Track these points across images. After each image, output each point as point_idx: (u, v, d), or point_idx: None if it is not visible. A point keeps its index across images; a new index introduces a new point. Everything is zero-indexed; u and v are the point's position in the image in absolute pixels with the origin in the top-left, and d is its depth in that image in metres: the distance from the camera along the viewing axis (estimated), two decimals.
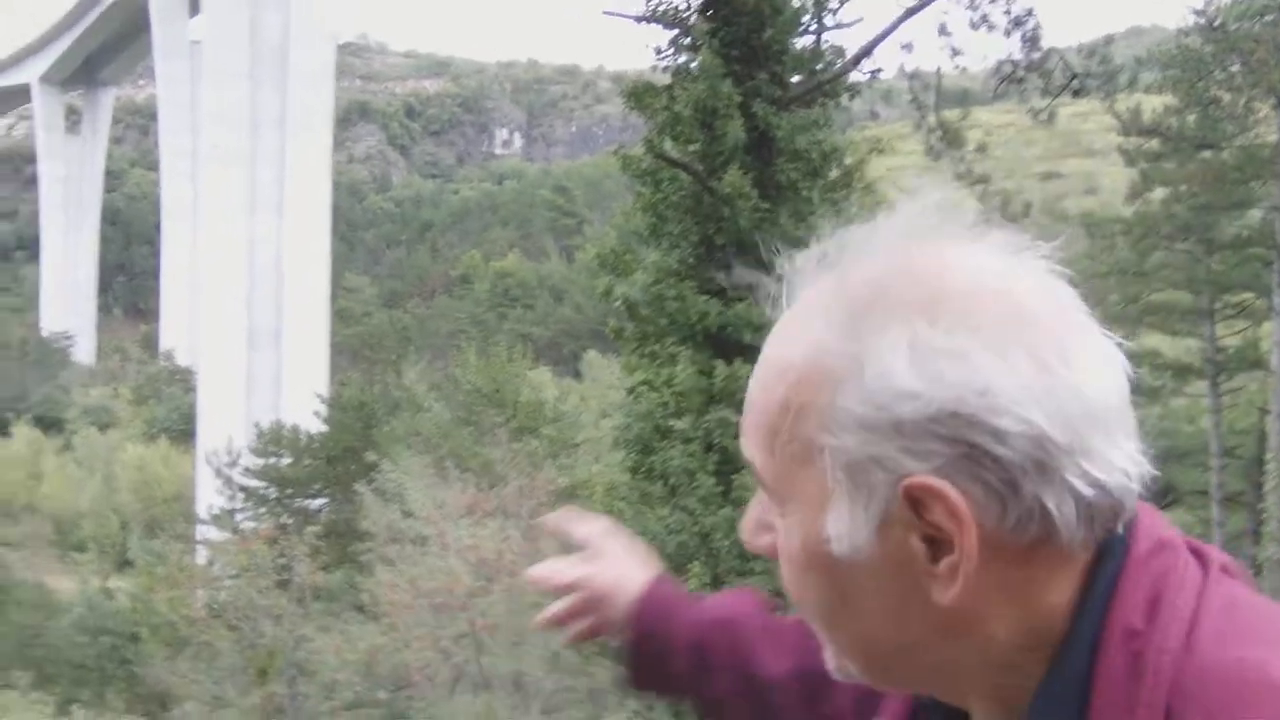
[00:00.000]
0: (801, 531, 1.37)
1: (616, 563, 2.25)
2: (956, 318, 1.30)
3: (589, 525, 2.30)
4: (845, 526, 1.33)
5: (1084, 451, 1.30)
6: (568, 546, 2.31)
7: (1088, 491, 1.31)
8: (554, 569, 2.26)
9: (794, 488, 1.37)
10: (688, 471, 18.18)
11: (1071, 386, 1.30)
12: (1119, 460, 1.33)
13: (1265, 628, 1.33)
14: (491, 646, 26.62)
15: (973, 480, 1.29)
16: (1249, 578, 1.44)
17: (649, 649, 2.18)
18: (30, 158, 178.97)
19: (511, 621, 26.68)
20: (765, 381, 1.39)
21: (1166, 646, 1.30)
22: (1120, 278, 36.47)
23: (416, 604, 28.08)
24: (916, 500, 1.30)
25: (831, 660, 1.47)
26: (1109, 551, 1.36)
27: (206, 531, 49.69)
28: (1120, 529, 1.37)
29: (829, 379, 1.33)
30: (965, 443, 1.29)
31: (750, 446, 1.41)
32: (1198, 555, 1.40)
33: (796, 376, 1.35)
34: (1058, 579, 1.35)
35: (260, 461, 51.64)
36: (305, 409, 56.42)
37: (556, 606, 2.27)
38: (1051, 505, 1.30)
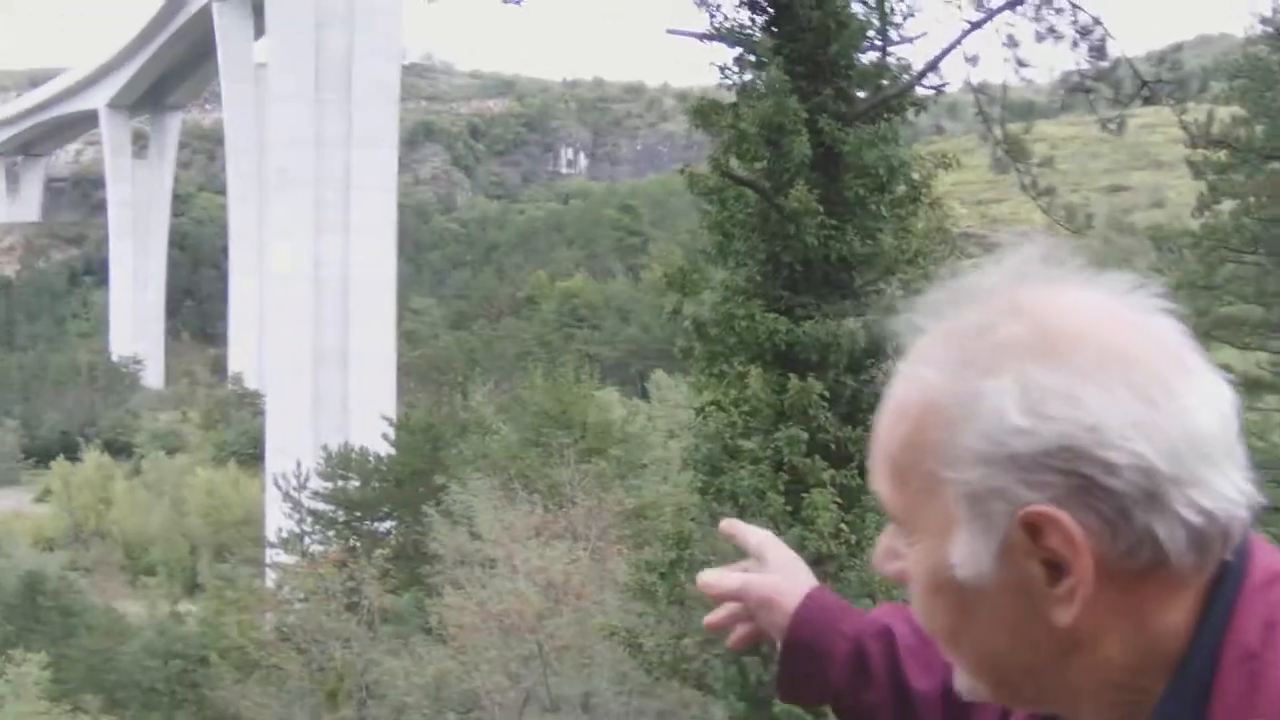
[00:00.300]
0: (928, 559, 1.50)
1: (780, 571, 2.28)
2: (1065, 358, 1.41)
3: (756, 534, 2.34)
4: (968, 553, 1.45)
5: (1191, 481, 1.40)
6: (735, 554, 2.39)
7: (1196, 519, 1.40)
8: (720, 575, 2.31)
9: (920, 518, 1.50)
10: (758, 492, 18.04)
11: (1177, 420, 1.40)
12: (1226, 489, 1.42)
13: None
14: (560, 668, 26.58)
15: (1086, 509, 1.40)
16: None
17: (809, 654, 2.21)
18: (98, 183, 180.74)
19: (580, 642, 26.63)
20: (889, 422, 1.52)
21: None
22: (1189, 291, 36.17)
23: (485, 626, 28.07)
24: (1034, 528, 1.41)
25: (960, 680, 1.58)
26: (1225, 578, 1.45)
27: (275, 555, 49.82)
28: (1233, 556, 1.46)
29: (948, 418, 1.45)
30: (1078, 474, 1.39)
31: (878, 481, 1.55)
32: None
33: (917, 416, 1.48)
34: (1171, 602, 1.44)
35: (328, 484, 51.73)
36: (373, 431, 56.53)
37: (721, 611, 2.33)
38: (1161, 533, 1.40)
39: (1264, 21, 32.56)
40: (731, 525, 2.37)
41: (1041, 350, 1.42)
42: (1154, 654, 1.45)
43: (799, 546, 17.85)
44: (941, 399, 1.45)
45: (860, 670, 2.17)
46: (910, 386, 1.50)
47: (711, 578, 2.31)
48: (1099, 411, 1.38)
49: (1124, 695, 1.47)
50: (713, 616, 2.35)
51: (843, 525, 17.77)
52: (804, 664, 2.21)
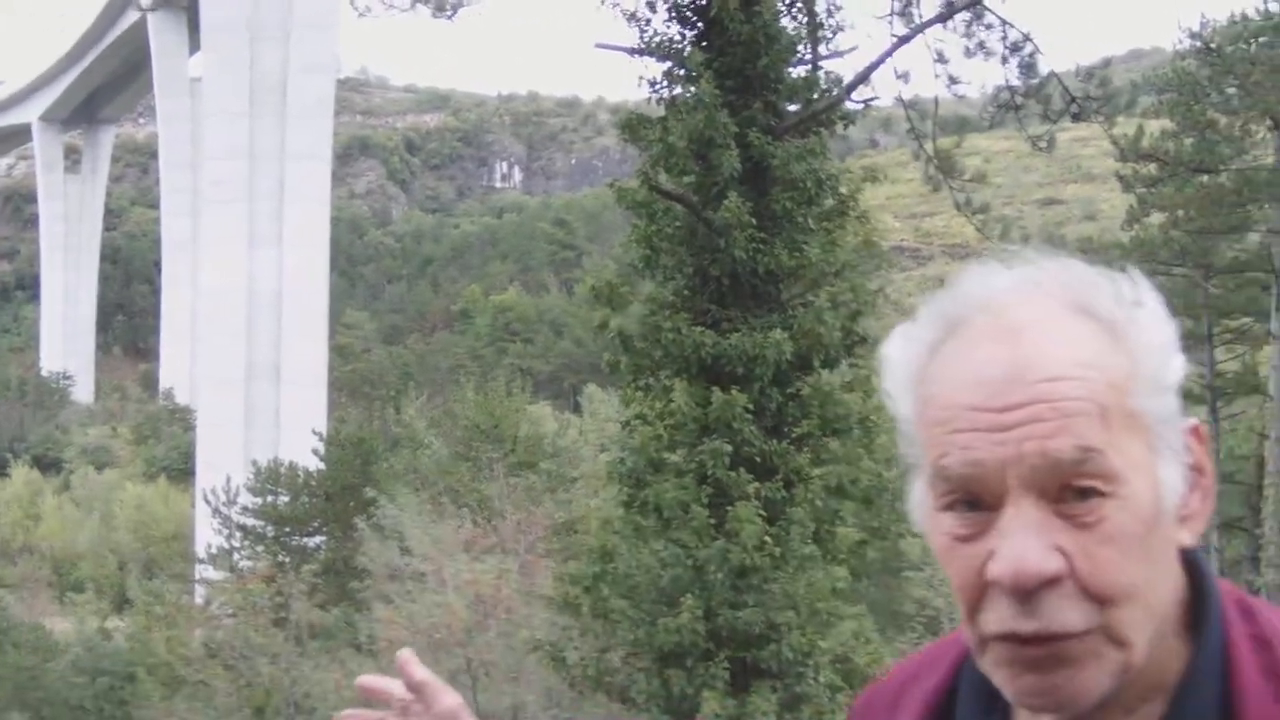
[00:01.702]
0: (1141, 497, 1.50)
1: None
2: (1153, 308, 1.58)
3: (426, 672, 2.21)
4: (1172, 475, 1.53)
5: None
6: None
7: None
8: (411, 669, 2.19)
9: (1131, 458, 1.50)
10: (682, 504, 18.03)
11: None
12: None
13: None
14: (488, 683, 26.49)
15: None
16: None
17: None
18: (30, 197, 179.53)
19: (508, 657, 26.53)
20: (1077, 371, 1.51)
21: (1275, 628, 1.56)
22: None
23: (414, 641, 27.91)
24: (1190, 443, 1.56)
25: (1103, 670, 1.51)
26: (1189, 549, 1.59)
27: (204, 571, 49.57)
28: None
29: (1126, 359, 1.53)
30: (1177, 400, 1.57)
31: (1075, 439, 1.49)
32: None
33: (1107, 358, 1.52)
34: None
35: (258, 500, 51.43)
36: (304, 446, 56.23)
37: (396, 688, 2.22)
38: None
39: (1193, 36, 32.80)
40: (405, 659, 2.21)
41: (1139, 299, 1.58)
42: (1176, 600, 1.56)
43: (723, 559, 17.87)
44: (1114, 342, 1.54)
45: None
46: (1080, 337, 1.53)
47: (407, 664, 2.19)
48: (1176, 345, 1.58)
49: (1160, 654, 1.54)
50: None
51: (767, 538, 17.76)
52: None
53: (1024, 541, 1.49)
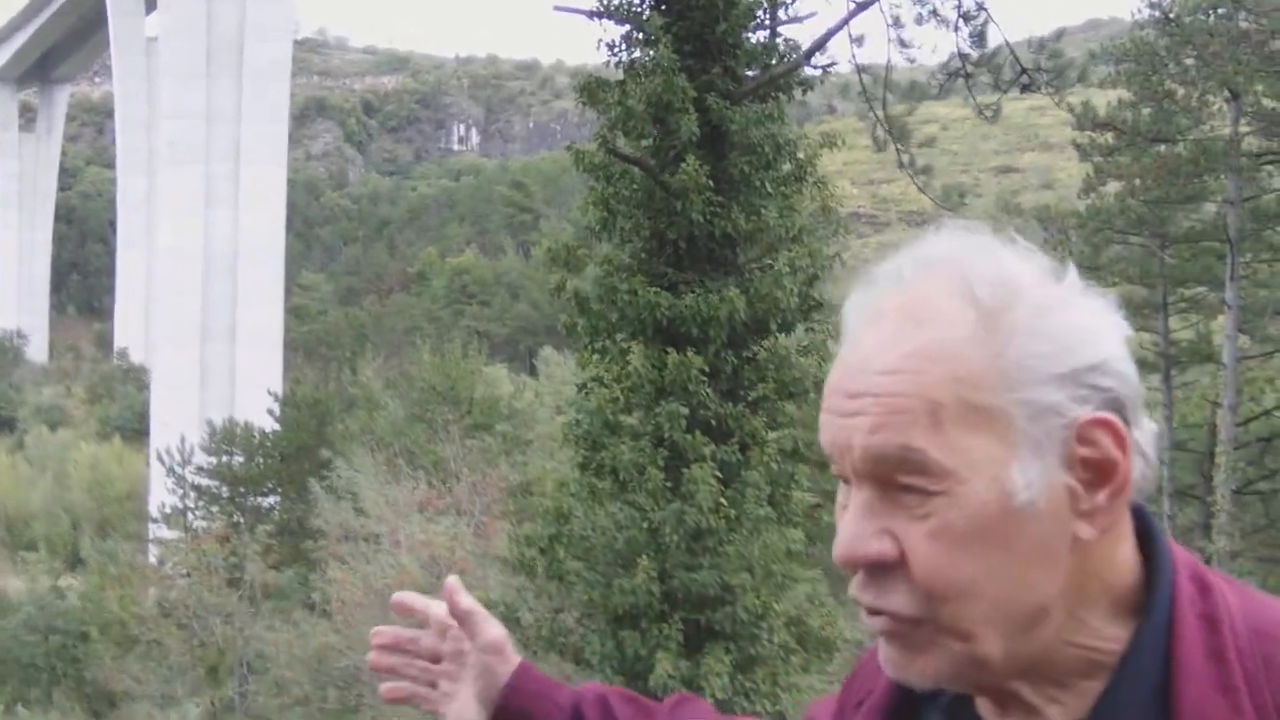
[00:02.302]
0: (976, 496, 1.46)
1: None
2: (1065, 291, 1.53)
3: (470, 599, 2.21)
4: (1031, 474, 1.46)
5: (1141, 407, 1.54)
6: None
7: (1148, 439, 1.54)
8: (457, 594, 2.19)
9: (967, 455, 1.46)
10: (637, 466, 18.07)
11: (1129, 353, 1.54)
12: (1147, 422, 1.55)
13: (1261, 594, 1.59)
14: None
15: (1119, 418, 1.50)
16: None
17: (529, 713, 2.18)
18: None
19: None
20: (911, 365, 1.48)
21: (1233, 610, 1.53)
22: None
23: (367, 602, 27.97)
24: (1085, 438, 1.47)
25: (937, 660, 1.52)
26: (1147, 520, 1.58)
27: (159, 530, 49.50)
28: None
29: (994, 345, 1.48)
30: (1104, 388, 1.49)
31: (895, 435, 1.48)
32: None
33: (959, 348, 1.48)
34: (1125, 533, 1.55)
35: (213, 460, 51.33)
36: (259, 407, 56.14)
37: (392, 658, 2.25)
38: (1145, 446, 1.52)
39: (1151, 5, 32.88)
40: (453, 586, 2.21)
41: (1043, 282, 1.53)
42: (1113, 584, 1.53)
43: (678, 521, 17.93)
44: (982, 329, 1.49)
45: None
46: (936, 325, 1.50)
47: (455, 592, 2.19)
48: (1110, 330, 1.52)
49: (1082, 637, 1.52)
50: (382, 659, 2.26)
51: (722, 500, 17.83)
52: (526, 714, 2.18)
53: (852, 524, 1.52)
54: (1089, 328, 1.50)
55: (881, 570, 1.50)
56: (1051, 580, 1.48)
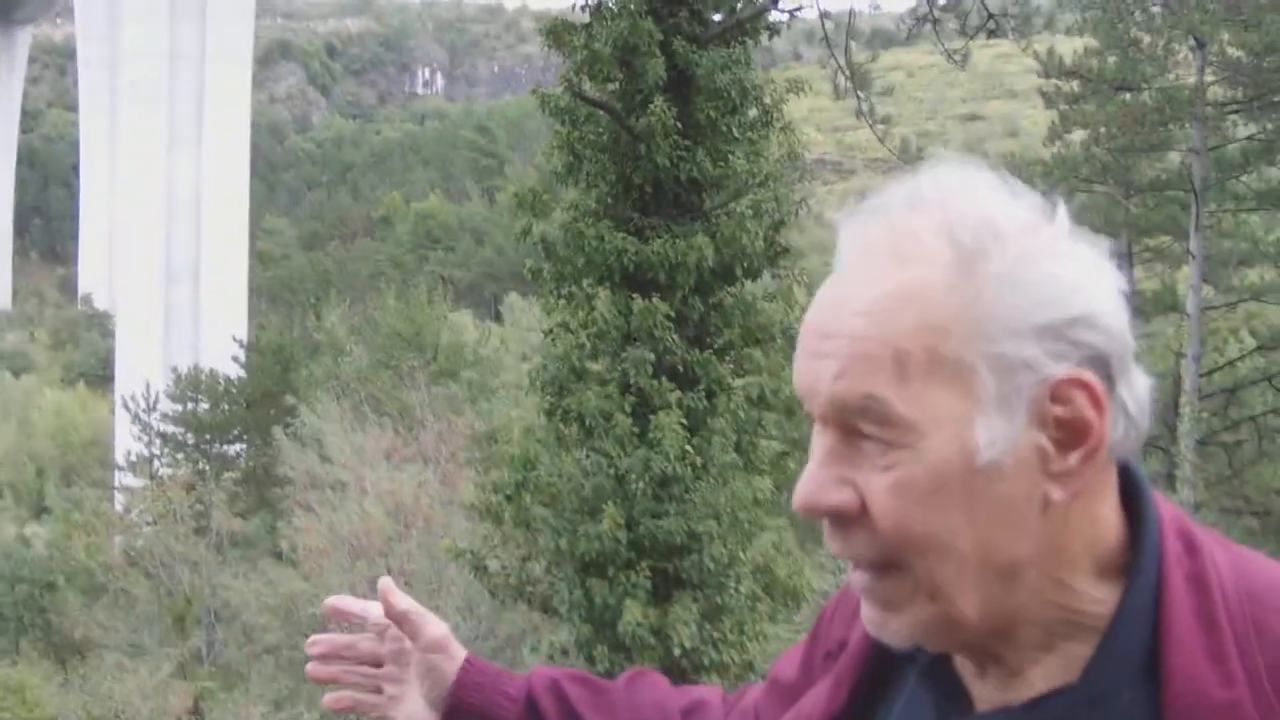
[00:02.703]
0: (937, 452, 1.42)
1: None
2: (1047, 237, 1.47)
3: (408, 600, 2.16)
4: (997, 431, 1.42)
5: (1131, 370, 1.48)
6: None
7: (1138, 396, 1.48)
8: (392, 597, 2.14)
9: (930, 409, 1.42)
10: (604, 413, 18.07)
11: (1122, 307, 1.48)
12: (1142, 375, 1.50)
13: (1253, 554, 1.54)
14: (409, 592, 26.55)
15: (1097, 377, 1.44)
16: None
17: (482, 709, 2.15)
18: None
19: (429, 567, 26.59)
20: (880, 310, 1.44)
21: (1221, 570, 1.48)
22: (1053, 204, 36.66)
23: (334, 550, 28.00)
24: (1059, 396, 1.42)
25: (907, 620, 1.49)
26: (1135, 479, 1.53)
27: (124, 478, 49.45)
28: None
29: (967, 294, 1.43)
30: (1085, 343, 1.43)
31: (857, 383, 1.44)
32: None
33: (929, 296, 1.43)
34: (1109, 493, 1.50)
35: (178, 407, 51.28)
36: (224, 353, 56.08)
37: (332, 669, 2.21)
38: (1130, 405, 1.47)
39: None
40: (386, 588, 2.16)
41: (1026, 231, 1.46)
42: (1098, 545, 1.48)
43: (645, 468, 17.94)
44: (955, 277, 1.44)
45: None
46: (908, 270, 1.45)
47: (389, 593, 2.13)
48: (1095, 281, 1.45)
49: (1064, 599, 1.48)
50: (321, 670, 2.20)
51: (688, 447, 17.84)
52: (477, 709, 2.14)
53: (813, 471, 1.49)
54: (1074, 279, 1.44)
55: (845, 520, 1.47)
56: (1022, 541, 1.44)
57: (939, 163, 1.53)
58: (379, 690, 2.17)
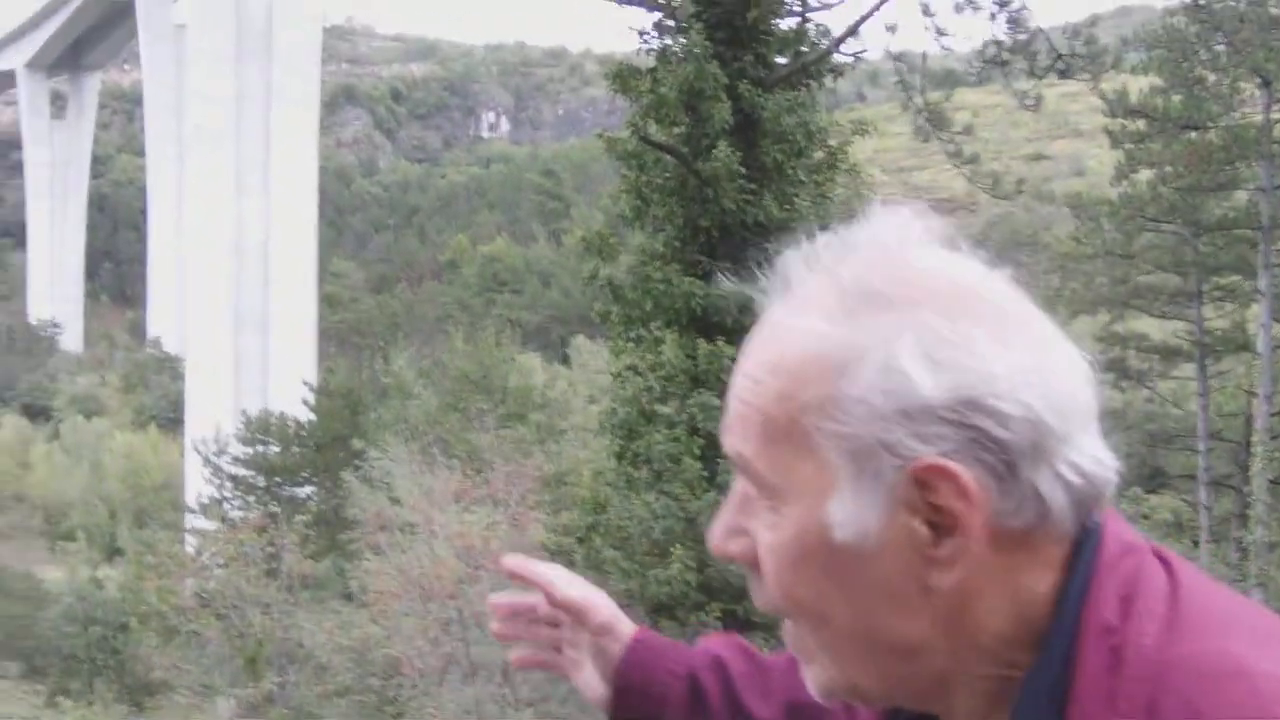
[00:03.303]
0: (798, 522, 1.39)
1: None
2: (957, 310, 1.36)
3: (567, 576, 2.16)
4: (850, 512, 1.37)
5: (1071, 440, 1.37)
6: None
7: (1075, 479, 1.37)
8: (557, 578, 2.13)
9: (791, 478, 1.39)
10: (672, 456, 18.14)
11: (1058, 378, 1.37)
12: (1100, 452, 1.40)
13: (1230, 621, 1.39)
14: (479, 635, 26.59)
15: (976, 463, 1.34)
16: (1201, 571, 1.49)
17: (642, 697, 2.13)
18: (16, 144, 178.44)
19: None
20: (758, 374, 1.42)
21: (1143, 642, 1.35)
22: (1107, 260, 36.46)
23: (404, 592, 28.03)
24: (924, 483, 1.35)
25: (816, 675, 1.49)
26: (1082, 547, 1.41)
27: (195, 520, 49.59)
28: (1090, 525, 1.42)
29: (832, 368, 1.37)
30: (970, 426, 1.34)
31: (737, 440, 1.43)
32: (1161, 559, 1.45)
33: (796, 367, 1.39)
34: (1041, 568, 1.40)
35: (248, 450, 51.51)
36: (293, 396, 56.29)
37: (511, 625, 2.20)
38: (1045, 490, 1.36)
39: None
40: (519, 565, 2.15)
41: (932, 300, 1.37)
42: (1024, 622, 1.41)
43: (715, 511, 17.99)
44: (826, 347, 1.38)
45: (697, 706, 2.11)
46: (784, 337, 1.41)
47: (547, 577, 2.12)
48: (993, 360, 1.35)
49: (996, 668, 1.42)
50: (505, 629, 2.21)
51: None
52: (638, 708, 2.14)
53: (719, 516, 1.49)
54: (970, 359, 1.35)
55: (749, 567, 1.46)
56: (911, 621, 1.40)
57: (875, 214, 1.49)
58: (559, 649, 2.18)
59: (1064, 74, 23.58)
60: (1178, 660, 1.34)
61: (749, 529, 1.45)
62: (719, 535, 1.48)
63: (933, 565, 1.37)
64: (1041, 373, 1.36)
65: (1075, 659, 1.38)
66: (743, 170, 19.19)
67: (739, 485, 1.47)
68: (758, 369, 1.42)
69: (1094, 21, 26.26)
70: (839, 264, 1.42)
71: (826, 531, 1.38)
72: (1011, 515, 1.36)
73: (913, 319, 1.36)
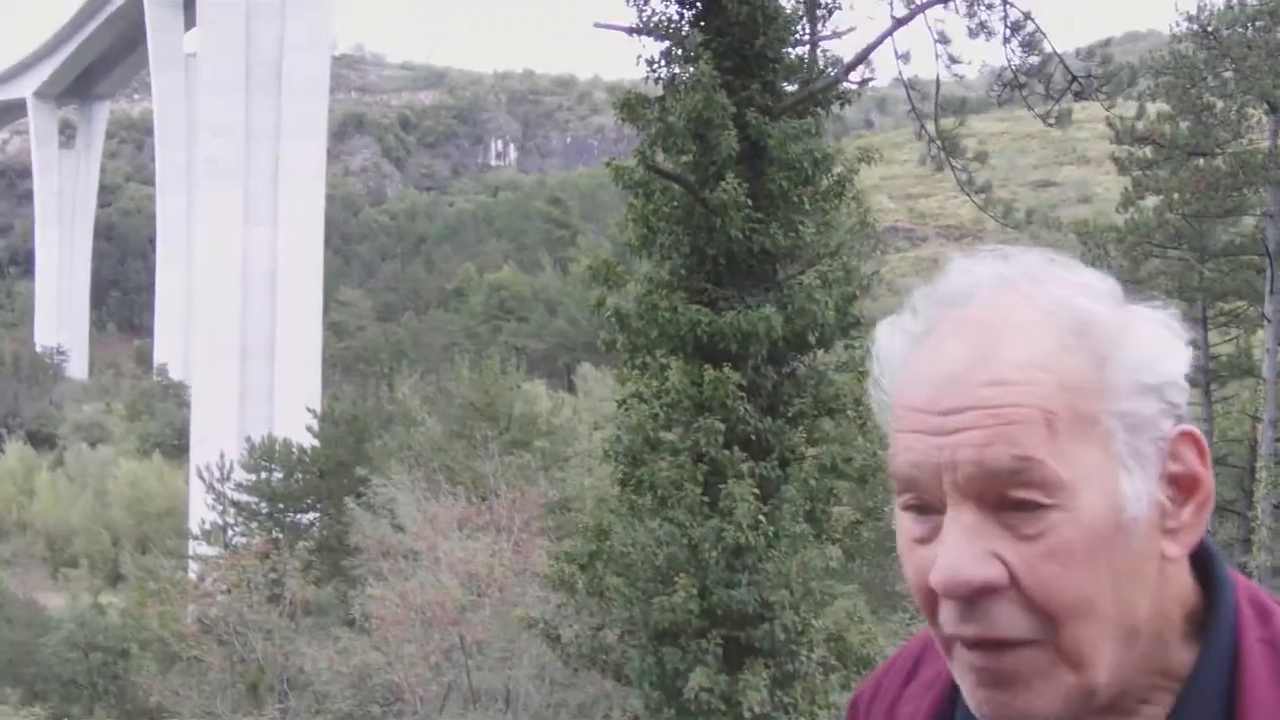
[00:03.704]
0: (1091, 511, 1.44)
1: None
2: (1128, 307, 1.53)
3: None
4: (1139, 487, 1.46)
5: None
6: None
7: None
8: None
9: (1085, 466, 1.44)
10: (676, 483, 18.06)
11: None
12: None
13: None
14: (481, 661, 26.54)
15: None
16: None
17: None
18: (25, 172, 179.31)
19: (501, 636, 26.58)
20: (1015, 376, 1.45)
21: None
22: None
23: (407, 619, 28.00)
24: (1175, 452, 1.48)
25: (1052, 691, 1.47)
26: (1205, 543, 1.53)
27: (198, 547, 49.64)
28: None
29: (1091, 359, 1.47)
30: (1177, 403, 1.50)
31: (1012, 448, 1.44)
32: None
33: (1062, 362, 1.46)
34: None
35: (252, 477, 51.50)
36: (298, 423, 56.32)
37: None
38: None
39: (1190, 19, 32.83)
40: None
41: (1113, 299, 1.52)
42: (1185, 605, 1.52)
43: (718, 538, 17.92)
44: (1073, 342, 1.47)
45: None
46: (1030, 341, 1.47)
47: None
48: (1167, 348, 1.51)
49: (1160, 660, 1.50)
50: None
51: (760, 517, 17.80)
52: None
53: (957, 549, 1.45)
54: (1162, 343, 1.51)
55: (987, 597, 1.45)
56: (1144, 600, 1.47)
57: (1012, 246, 1.57)
58: None
59: (1080, 95, 23.55)
60: None
61: (998, 552, 1.45)
62: (971, 563, 1.45)
63: (1169, 536, 1.48)
64: (1187, 358, 1.54)
65: (1238, 647, 1.49)
66: (748, 199, 19.15)
67: (966, 513, 1.46)
68: (1019, 371, 1.46)
69: (1108, 43, 26.27)
70: (1023, 280, 1.52)
71: (1118, 513, 1.44)
72: None
73: (1119, 314, 1.50)
